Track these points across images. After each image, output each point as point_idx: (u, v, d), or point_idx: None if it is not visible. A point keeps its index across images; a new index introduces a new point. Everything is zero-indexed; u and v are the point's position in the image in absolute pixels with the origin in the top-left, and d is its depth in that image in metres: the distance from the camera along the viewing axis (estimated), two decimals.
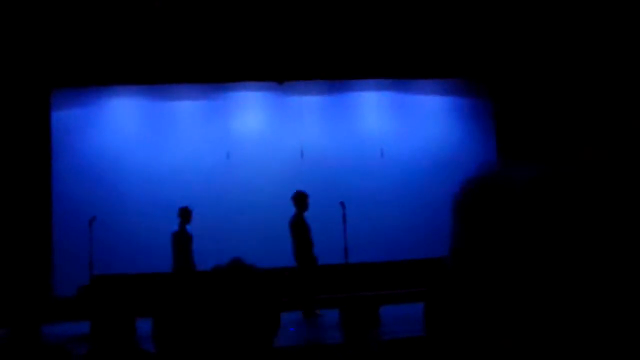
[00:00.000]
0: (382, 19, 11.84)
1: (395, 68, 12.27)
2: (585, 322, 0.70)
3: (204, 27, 11.56)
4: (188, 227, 10.14)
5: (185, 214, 9.99)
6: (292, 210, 9.75)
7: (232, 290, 1.38)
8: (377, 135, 12.75)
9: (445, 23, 11.90)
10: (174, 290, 1.42)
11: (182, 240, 9.90)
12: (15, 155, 11.25)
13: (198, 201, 11.89)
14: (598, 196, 0.73)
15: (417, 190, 12.44)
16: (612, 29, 10.49)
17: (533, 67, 11.82)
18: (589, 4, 10.91)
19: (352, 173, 12.29)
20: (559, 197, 0.73)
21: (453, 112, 13.22)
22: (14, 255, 10.88)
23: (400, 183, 12.49)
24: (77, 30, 11.24)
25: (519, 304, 0.71)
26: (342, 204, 9.99)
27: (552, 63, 11.53)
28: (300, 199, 9.50)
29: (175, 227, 10.65)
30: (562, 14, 11.30)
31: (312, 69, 12.07)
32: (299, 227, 9.42)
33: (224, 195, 12.02)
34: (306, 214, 9.64)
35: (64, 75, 11.55)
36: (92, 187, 11.80)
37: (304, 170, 12.19)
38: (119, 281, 10.66)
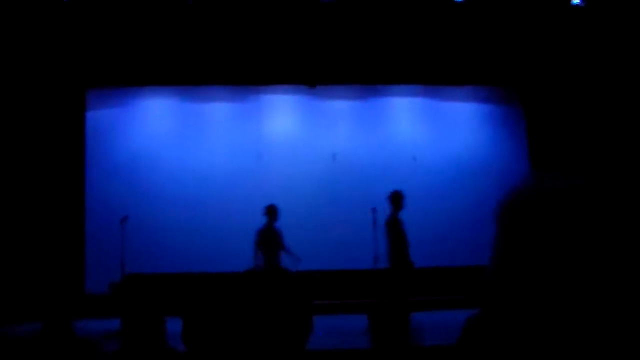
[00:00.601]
0: (415, 25, 11.80)
1: (427, 74, 12.22)
2: (634, 333, 0.68)
3: (237, 28, 11.62)
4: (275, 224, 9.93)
5: (271, 211, 9.79)
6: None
7: (264, 292, 1.37)
8: (408, 141, 12.70)
9: (477, 30, 11.82)
10: (205, 291, 1.43)
11: (268, 238, 9.67)
12: (50, 155, 11.43)
13: (229, 202, 11.98)
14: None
15: (449, 196, 12.36)
16: None
17: (564, 75, 11.69)
18: (621, 12, 10.75)
19: (383, 178, 12.22)
20: (603, 208, 0.71)
21: (485, 120, 13.11)
22: (47, 252, 11.06)
23: (432, 189, 12.41)
24: (112, 31, 11.39)
25: (561, 316, 0.70)
26: (374, 210, 9.92)
27: (582, 71, 11.39)
28: (396, 199, 9.38)
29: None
30: (594, 23, 11.16)
31: (343, 73, 12.06)
32: (394, 227, 9.29)
33: (255, 197, 12.05)
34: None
35: (98, 76, 11.71)
36: (125, 186, 11.94)
37: (336, 174, 12.20)
38: (149, 280, 10.77)
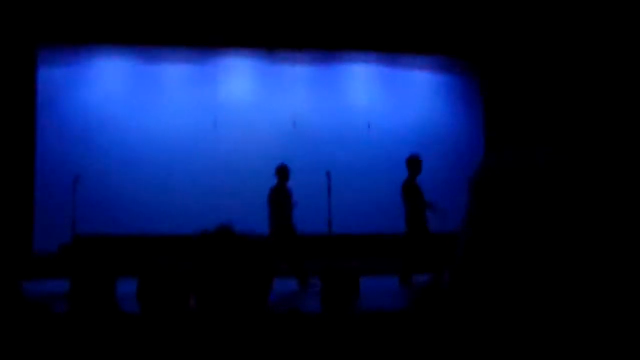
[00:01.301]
0: None
1: (385, 41, 12.20)
2: (610, 311, 0.68)
3: None
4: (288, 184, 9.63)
5: (281, 171, 9.48)
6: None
7: (218, 254, 1.36)
8: (364, 109, 12.73)
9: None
10: (160, 253, 1.40)
11: (279, 198, 9.40)
12: None
13: (184, 166, 11.87)
14: (622, 181, 0.71)
15: (402, 165, 12.45)
16: (604, 12, 10.45)
17: (522, 47, 11.79)
18: None
19: (339, 145, 12.27)
20: (583, 180, 0.72)
21: (441, 89, 13.20)
22: None
23: (386, 157, 12.49)
24: None
25: (536, 290, 0.69)
26: (328, 174, 9.94)
27: (540, 42, 11.50)
28: (413, 163, 9.27)
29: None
30: None
31: (302, 37, 11.96)
32: (410, 192, 9.18)
33: (211, 160, 11.97)
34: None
35: (50, 32, 11.35)
36: (78, 146, 11.71)
37: (295, 139, 12.17)
38: (100, 241, 10.63)
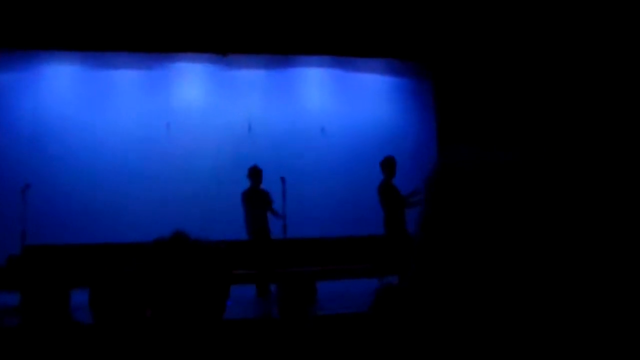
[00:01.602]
0: None
1: (338, 45, 12.23)
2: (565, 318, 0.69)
3: None
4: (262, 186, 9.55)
5: (255, 173, 9.40)
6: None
7: (174, 262, 1.34)
8: (319, 112, 12.75)
9: (388, 2, 11.91)
10: (114, 262, 1.38)
11: (253, 200, 9.30)
12: None
13: (136, 173, 11.71)
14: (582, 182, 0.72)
15: (357, 168, 12.51)
16: (553, 10, 10.66)
17: (472, 48, 11.95)
18: None
19: (293, 149, 12.26)
20: (541, 179, 0.72)
21: (395, 92, 13.32)
22: None
23: (341, 161, 12.55)
24: None
25: (491, 293, 0.69)
26: (282, 179, 9.91)
27: (491, 44, 11.68)
28: (388, 165, 9.22)
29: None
30: None
31: (255, 41, 11.91)
32: (386, 194, 9.12)
33: (164, 167, 11.82)
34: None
35: None
36: (27, 154, 11.44)
37: (250, 144, 12.10)
38: (52, 251, 10.39)
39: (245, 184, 9.63)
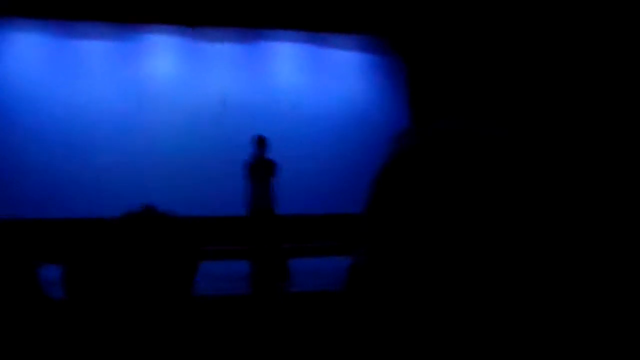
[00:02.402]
0: None
1: (310, 20, 12.17)
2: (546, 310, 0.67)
3: None
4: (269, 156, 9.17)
5: (261, 141, 9.06)
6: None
7: (144, 236, 1.35)
8: (290, 88, 12.68)
9: None
10: (84, 237, 1.39)
11: (259, 172, 8.96)
12: None
13: (106, 146, 11.57)
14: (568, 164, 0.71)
15: (328, 145, 12.52)
16: None
17: (444, 24, 11.93)
18: None
19: (264, 126, 12.17)
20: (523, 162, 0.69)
21: (367, 69, 13.29)
22: None
23: (312, 138, 12.53)
24: None
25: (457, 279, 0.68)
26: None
27: (464, 21, 11.66)
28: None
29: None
30: None
31: (226, 14, 11.81)
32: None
33: (135, 141, 11.70)
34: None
35: None
36: None
37: (221, 120, 12.04)
38: (16, 226, 10.26)
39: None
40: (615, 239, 0.72)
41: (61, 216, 10.63)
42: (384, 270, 0.72)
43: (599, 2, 9.56)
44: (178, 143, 11.82)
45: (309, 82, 12.87)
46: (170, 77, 12.21)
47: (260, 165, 9.03)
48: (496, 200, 0.68)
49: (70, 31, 11.81)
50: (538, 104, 10.23)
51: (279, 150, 12.20)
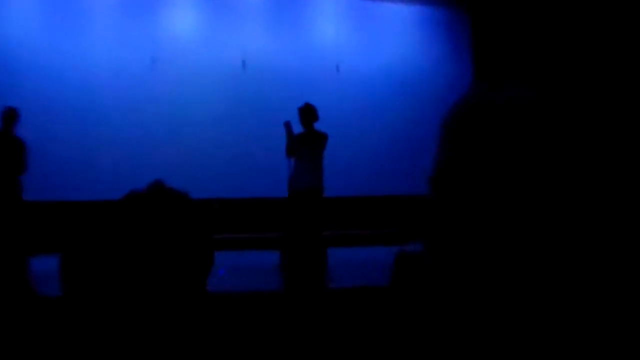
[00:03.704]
0: None
1: None
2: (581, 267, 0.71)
3: None
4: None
5: (309, 112, 9.02)
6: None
7: (151, 219, 1.33)
8: (332, 47, 12.62)
9: None
10: (82, 222, 1.37)
11: (303, 145, 8.93)
12: None
13: (114, 112, 11.64)
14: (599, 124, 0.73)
15: (379, 114, 12.45)
16: None
17: None
18: None
19: (300, 91, 12.11)
20: (565, 123, 0.73)
21: (424, 24, 13.15)
22: None
23: (359, 105, 12.46)
24: None
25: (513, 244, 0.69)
26: (288, 124, 9.58)
27: None
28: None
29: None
30: None
31: None
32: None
33: (146, 105, 11.75)
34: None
35: None
36: None
37: (246, 83, 12.04)
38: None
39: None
40: None
41: (60, 199, 10.75)
42: (452, 259, 0.71)
43: None
44: (194, 108, 11.83)
45: (355, 40, 12.78)
46: (187, 33, 12.23)
47: (307, 138, 9.02)
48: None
49: None
50: (611, 65, 10.10)
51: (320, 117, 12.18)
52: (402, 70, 12.67)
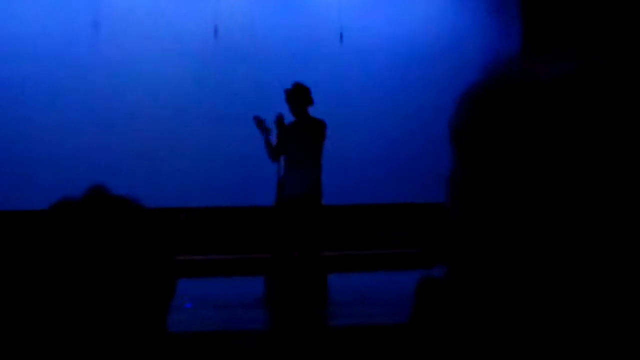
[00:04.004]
0: None
1: None
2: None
3: None
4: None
5: (302, 92, 9.06)
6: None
7: (86, 235, 1.31)
8: (333, 13, 12.64)
9: None
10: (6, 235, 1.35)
11: (294, 138, 8.99)
12: None
13: (50, 95, 11.65)
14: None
15: (392, 95, 12.49)
16: None
17: None
18: None
19: (291, 65, 12.07)
20: (600, 99, 0.75)
21: None
22: None
23: (367, 82, 12.49)
24: None
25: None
26: (261, 122, 9.51)
27: None
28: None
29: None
30: None
31: None
32: None
33: (87, 85, 11.75)
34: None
35: None
36: None
37: (218, 55, 12.06)
38: None
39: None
40: None
41: None
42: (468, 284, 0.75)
43: None
44: (152, 91, 11.84)
45: (361, 3, 12.83)
46: None
47: (300, 129, 8.97)
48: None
49: None
50: None
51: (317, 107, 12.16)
52: (424, 40, 12.71)
